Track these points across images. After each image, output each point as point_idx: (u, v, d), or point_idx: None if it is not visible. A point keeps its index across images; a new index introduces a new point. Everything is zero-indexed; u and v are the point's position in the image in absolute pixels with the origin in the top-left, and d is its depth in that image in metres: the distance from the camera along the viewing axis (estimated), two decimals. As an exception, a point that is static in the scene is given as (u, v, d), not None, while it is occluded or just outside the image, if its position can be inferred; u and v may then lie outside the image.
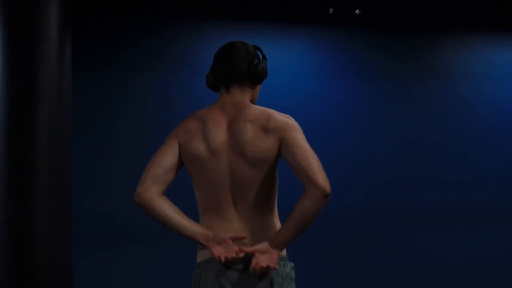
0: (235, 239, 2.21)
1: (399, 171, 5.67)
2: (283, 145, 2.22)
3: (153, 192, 2.18)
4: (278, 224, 2.29)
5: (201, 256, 2.29)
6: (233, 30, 5.32)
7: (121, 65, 5.19)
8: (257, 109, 2.30)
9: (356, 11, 5.48)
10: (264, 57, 2.39)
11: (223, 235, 2.20)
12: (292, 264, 2.30)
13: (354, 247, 5.51)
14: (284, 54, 5.45)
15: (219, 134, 2.25)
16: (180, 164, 2.29)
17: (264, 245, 2.18)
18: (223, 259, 2.15)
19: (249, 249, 2.18)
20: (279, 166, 2.31)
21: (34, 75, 3.64)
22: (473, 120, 5.90)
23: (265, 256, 2.16)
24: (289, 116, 2.29)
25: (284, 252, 2.25)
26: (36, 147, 3.62)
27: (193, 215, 2.31)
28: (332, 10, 5.51)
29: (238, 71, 2.31)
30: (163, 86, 5.30)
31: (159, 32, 5.33)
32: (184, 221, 2.21)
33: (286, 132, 2.22)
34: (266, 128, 2.23)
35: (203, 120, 2.29)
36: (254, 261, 2.16)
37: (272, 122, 2.24)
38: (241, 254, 2.18)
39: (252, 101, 2.39)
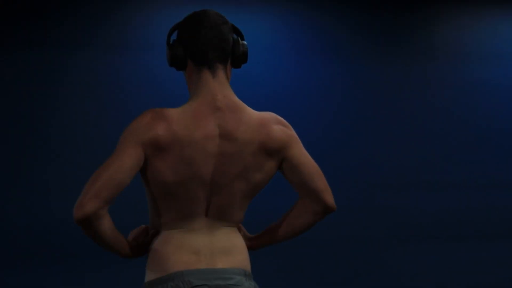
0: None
1: (394, 169, 5.61)
2: (286, 165, 2.19)
3: (103, 213, 1.95)
4: (241, 239, 2.26)
5: (155, 274, 2.14)
6: (186, 1, 4.90)
7: (40, 40, 4.69)
8: (250, 119, 2.11)
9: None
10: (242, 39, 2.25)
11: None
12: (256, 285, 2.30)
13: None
14: (249, 27, 5.17)
15: (210, 162, 2.06)
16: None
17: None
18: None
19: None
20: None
21: None
22: (483, 110, 5.48)
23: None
24: (284, 121, 2.18)
25: (249, 269, 2.25)
26: None
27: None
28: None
29: (226, 45, 2.11)
30: (91, 66, 4.79)
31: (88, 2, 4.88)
32: (121, 240, 2.10)
33: (288, 151, 2.18)
34: (263, 150, 2.14)
35: (190, 130, 2.03)
36: None
37: (270, 142, 2.14)
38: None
39: None
